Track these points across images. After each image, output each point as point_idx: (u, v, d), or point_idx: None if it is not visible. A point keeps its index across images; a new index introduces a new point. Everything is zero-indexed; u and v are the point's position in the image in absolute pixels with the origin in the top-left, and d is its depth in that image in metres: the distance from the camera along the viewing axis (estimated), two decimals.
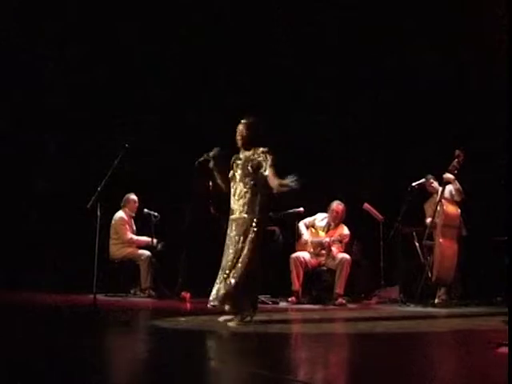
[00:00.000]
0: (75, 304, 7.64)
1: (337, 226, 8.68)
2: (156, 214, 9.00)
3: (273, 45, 9.82)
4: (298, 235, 8.74)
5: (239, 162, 5.97)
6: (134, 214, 9.27)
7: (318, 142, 9.72)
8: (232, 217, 5.95)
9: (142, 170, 9.59)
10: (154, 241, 9.02)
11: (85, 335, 5.20)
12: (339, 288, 8.40)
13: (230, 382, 3.71)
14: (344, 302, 8.35)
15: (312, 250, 8.61)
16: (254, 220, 5.81)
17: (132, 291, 9.08)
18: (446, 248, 8.15)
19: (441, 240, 8.18)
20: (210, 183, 9.16)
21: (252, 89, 9.74)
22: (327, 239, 8.52)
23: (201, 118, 9.89)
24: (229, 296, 5.79)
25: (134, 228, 9.31)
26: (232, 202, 5.97)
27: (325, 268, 8.62)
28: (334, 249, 8.52)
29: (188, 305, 8.19)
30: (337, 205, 8.63)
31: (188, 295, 8.54)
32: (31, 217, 9.80)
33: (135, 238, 9.20)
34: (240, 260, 5.77)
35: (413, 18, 9.19)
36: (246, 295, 5.83)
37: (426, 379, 3.89)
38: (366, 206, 8.99)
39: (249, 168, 5.87)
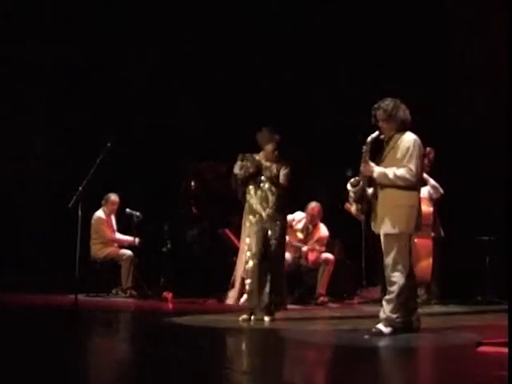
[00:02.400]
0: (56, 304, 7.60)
1: (315, 226, 8.70)
2: (138, 213, 8.96)
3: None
4: None
5: (263, 168, 6.45)
6: (113, 214, 9.19)
7: (300, 140, 9.72)
8: (262, 223, 6.38)
9: (125, 169, 9.58)
10: (136, 240, 8.98)
11: (66, 336, 5.18)
12: (322, 288, 8.43)
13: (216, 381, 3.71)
14: (326, 301, 8.38)
15: (292, 252, 8.63)
16: (282, 226, 6.45)
17: (113, 291, 9.03)
18: (421, 247, 8.18)
19: (416, 240, 8.20)
20: (193, 183, 9.19)
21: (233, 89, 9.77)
22: (304, 248, 8.54)
23: (183, 119, 9.91)
24: (275, 297, 6.34)
25: (115, 227, 9.23)
26: (259, 207, 6.41)
27: (307, 268, 8.63)
28: (314, 253, 8.56)
29: (170, 305, 8.17)
30: (312, 207, 8.65)
31: (170, 295, 8.52)
32: (12, 216, 9.71)
33: (117, 236, 9.15)
34: (275, 263, 6.39)
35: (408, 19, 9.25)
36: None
37: (409, 378, 3.92)
38: (347, 205, 9.00)
39: (274, 178, 6.42)
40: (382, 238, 5.45)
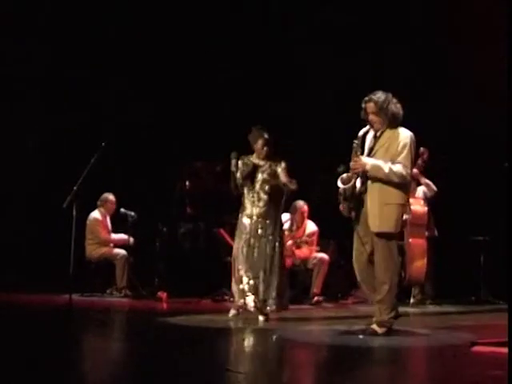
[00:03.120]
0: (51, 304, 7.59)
1: (301, 223, 8.71)
2: (133, 213, 8.95)
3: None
4: None
5: (256, 168, 6.53)
6: (109, 214, 9.19)
7: (296, 139, 9.72)
8: (251, 221, 6.46)
9: (120, 169, 9.58)
10: (131, 239, 8.98)
11: (60, 335, 5.17)
12: (316, 288, 8.43)
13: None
14: (321, 301, 8.38)
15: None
16: (277, 224, 6.52)
17: (108, 291, 9.02)
18: (415, 247, 8.19)
19: (410, 240, 8.22)
20: (187, 183, 9.18)
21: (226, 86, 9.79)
22: (289, 242, 8.56)
23: (179, 119, 9.91)
24: (277, 296, 6.39)
25: (110, 227, 9.24)
26: (250, 206, 6.49)
27: (301, 268, 8.64)
28: (303, 250, 8.56)
29: (164, 305, 8.16)
30: (301, 205, 8.66)
31: (164, 295, 8.51)
32: (6, 216, 9.68)
33: (112, 237, 9.15)
34: (275, 262, 6.38)
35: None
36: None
37: (403, 378, 3.92)
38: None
39: (266, 176, 6.48)
40: (362, 235, 5.39)
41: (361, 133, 5.39)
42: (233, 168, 6.53)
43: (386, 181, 5.23)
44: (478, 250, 8.66)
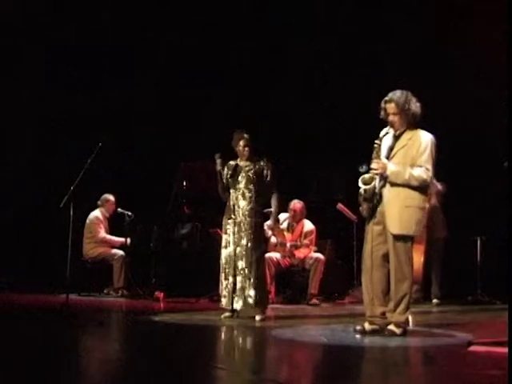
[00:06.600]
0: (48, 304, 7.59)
1: (298, 223, 8.71)
2: (130, 213, 8.97)
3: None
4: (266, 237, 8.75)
5: (239, 169, 6.59)
6: (109, 215, 9.24)
7: (292, 141, 9.74)
8: (236, 220, 6.52)
9: (117, 169, 9.60)
10: (128, 240, 8.99)
11: (57, 335, 5.17)
12: (313, 288, 8.43)
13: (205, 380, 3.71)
14: (318, 301, 8.38)
15: (281, 252, 8.64)
16: (259, 223, 6.54)
17: (105, 291, 9.03)
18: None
19: None
20: (184, 183, 9.19)
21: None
22: (288, 245, 8.55)
23: (176, 119, 9.93)
24: (260, 295, 6.38)
25: (107, 228, 9.27)
26: (234, 206, 6.54)
27: (298, 268, 8.64)
28: (302, 250, 8.57)
29: (162, 304, 8.17)
30: (294, 204, 8.68)
31: (161, 295, 8.52)
32: (3, 215, 9.68)
33: (108, 237, 9.17)
34: (254, 260, 6.40)
35: None
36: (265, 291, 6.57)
37: (400, 377, 3.93)
38: (340, 206, 9.05)
39: (251, 175, 6.53)
40: (377, 234, 5.35)
41: (382, 133, 5.29)
42: (218, 167, 6.63)
43: (405, 185, 5.18)
44: (474, 250, 8.67)
